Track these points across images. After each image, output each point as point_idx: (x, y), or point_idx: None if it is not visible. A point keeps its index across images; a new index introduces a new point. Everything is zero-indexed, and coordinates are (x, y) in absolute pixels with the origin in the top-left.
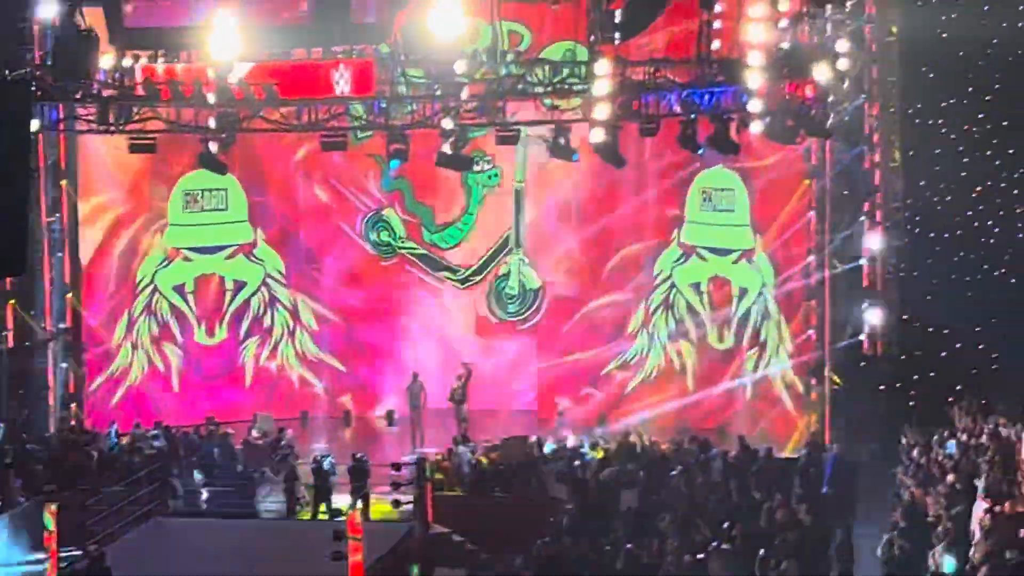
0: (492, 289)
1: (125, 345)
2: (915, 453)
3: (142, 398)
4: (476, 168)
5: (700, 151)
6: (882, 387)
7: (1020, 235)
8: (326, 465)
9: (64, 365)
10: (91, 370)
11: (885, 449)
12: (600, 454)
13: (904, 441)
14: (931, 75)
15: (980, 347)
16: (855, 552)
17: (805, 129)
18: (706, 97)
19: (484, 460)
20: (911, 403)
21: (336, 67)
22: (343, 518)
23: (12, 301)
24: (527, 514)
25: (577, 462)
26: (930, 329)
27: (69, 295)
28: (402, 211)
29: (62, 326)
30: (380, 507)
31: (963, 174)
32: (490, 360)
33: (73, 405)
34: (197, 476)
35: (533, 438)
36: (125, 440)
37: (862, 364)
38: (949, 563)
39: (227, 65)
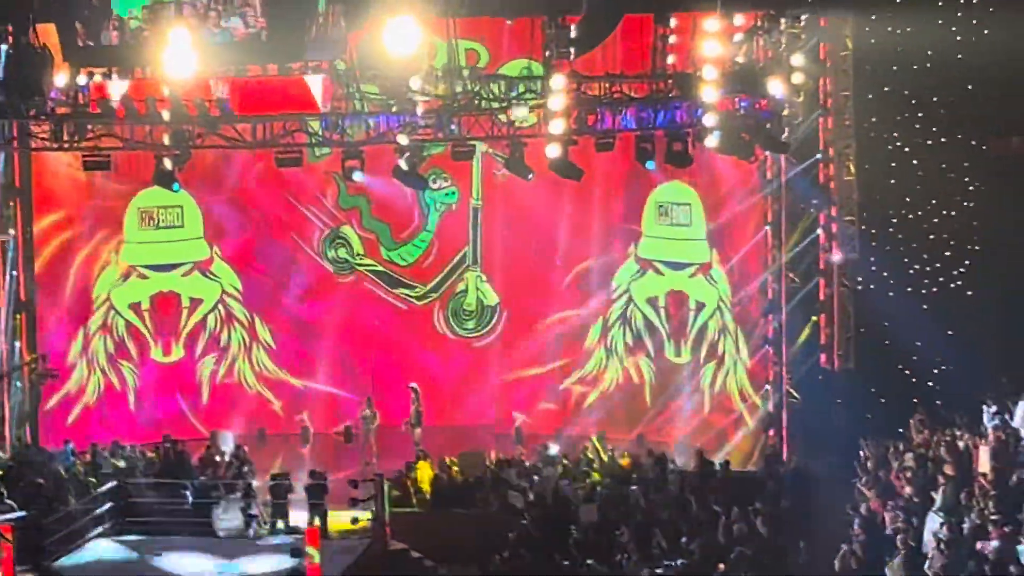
0: (449, 305)
1: (80, 363)
2: (872, 466)
3: (98, 417)
4: (433, 186)
5: (649, 165)
6: (839, 400)
7: (974, 247)
8: (283, 482)
9: (19, 385)
10: (46, 389)
11: (843, 463)
12: (559, 469)
13: (862, 454)
14: (886, 88)
15: (935, 359)
16: (813, 565)
17: (761, 143)
18: (661, 112)
19: (442, 476)
20: (868, 416)
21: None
22: (301, 535)
23: None
24: (485, 529)
25: (536, 476)
26: (886, 342)
27: (22, 313)
28: (359, 228)
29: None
30: (338, 524)
31: (918, 187)
32: (447, 376)
33: (27, 425)
34: (154, 495)
35: (494, 454)
36: (82, 459)
37: (819, 378)
38: None
39: (181, 82)
